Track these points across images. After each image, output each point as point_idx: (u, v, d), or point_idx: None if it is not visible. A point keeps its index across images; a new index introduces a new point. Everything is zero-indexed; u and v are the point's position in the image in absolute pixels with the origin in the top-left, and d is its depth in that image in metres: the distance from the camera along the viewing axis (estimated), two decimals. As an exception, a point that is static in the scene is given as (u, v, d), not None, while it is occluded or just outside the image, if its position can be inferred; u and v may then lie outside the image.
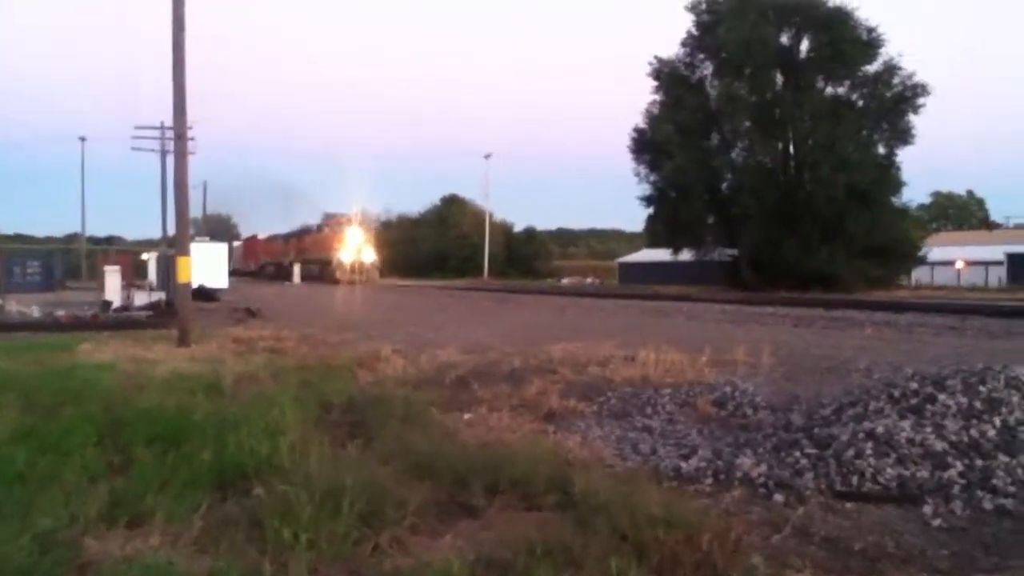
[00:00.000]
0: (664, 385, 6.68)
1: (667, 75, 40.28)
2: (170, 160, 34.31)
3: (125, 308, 19.00)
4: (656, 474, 4.25)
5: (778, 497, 3.81)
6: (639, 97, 76.49)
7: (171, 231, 28.39)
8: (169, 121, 19.74)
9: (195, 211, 52.61)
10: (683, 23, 40.41)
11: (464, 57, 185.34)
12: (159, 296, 20.65)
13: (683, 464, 4.32)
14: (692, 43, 40.01)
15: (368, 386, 6.98)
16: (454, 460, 4.22)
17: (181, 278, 12.19)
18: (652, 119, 40.36)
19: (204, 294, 22.14)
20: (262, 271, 64.62)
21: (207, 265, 25.43)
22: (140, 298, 20.45)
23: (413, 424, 5.30)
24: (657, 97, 40.67)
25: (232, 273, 63.23)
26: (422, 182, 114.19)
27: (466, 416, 5.83)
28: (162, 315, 16.61)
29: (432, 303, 24.25)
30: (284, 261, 58.45)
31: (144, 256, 32.89)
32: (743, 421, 5.47)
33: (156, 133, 41.67)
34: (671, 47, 41.30)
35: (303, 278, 51.93)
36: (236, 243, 75.56)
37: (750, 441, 4.63)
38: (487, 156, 65.88)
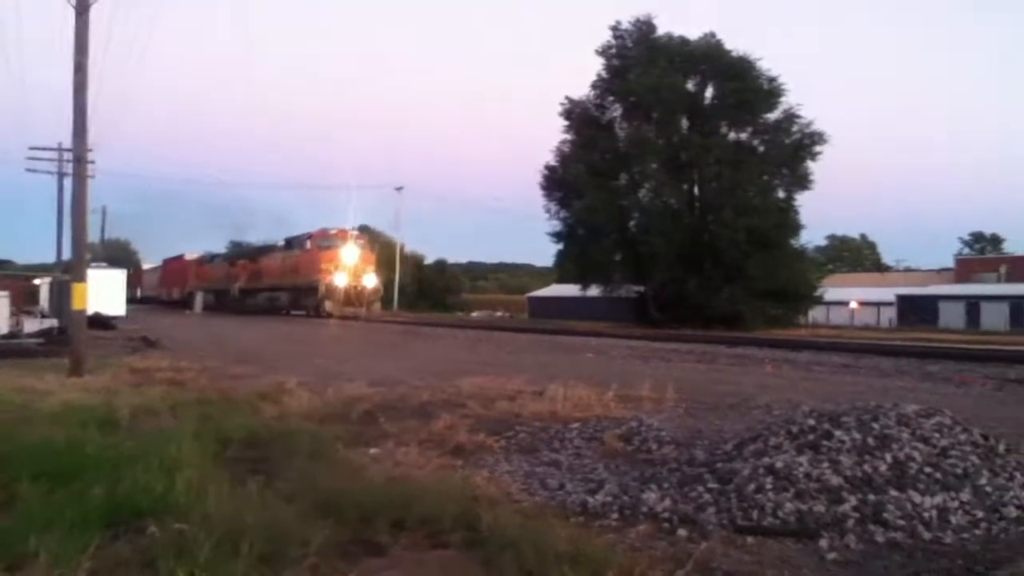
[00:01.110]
0: (572, 420, 6.73)
1: (578, 116, 41.18)
2: (68, 182, 33.10)
3: (14, 335, 18.07)
4: (563, 509, 4.26)
5: (682, 532, 3.87)
6: (550, 135, 77.66)
7: (67, 256, 27.26)
8: (67, 142, 19.01)
9: (93, 236, 48.64)
10: (594, 65, 41.48)
11: (376, 89, 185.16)
12: (51, 323, 19.75)
13: (590, 499, 4.34)
14: (603, 86, 41.06)
15: (271, 421, 6.79)
16: (360, 497, 4.13)
17: (76, 305, 11.68)
18: (563, 158, 41.07)
19: (100, 322, 21.26)
20: (191, 300, 52.40)
21: (104, 292, 24.48)
22: (30, 325, 19.51)
23: (318, 460, 5.18)
24: (568, 136, 41.49)
25: (143, 300, 59.94)
26: (334, 213, 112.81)
27: (373, 451, 5.73)
28: (54, 343, 15.86)
29: (340, 334, 23.88)
30: (230, 287, 47.98)
31: (37, 281, 31.36)
32: (648, 456, 5.55)
33: (53, 155, 39.92)
34: (582, 87, 42.31)
35: (266, 311, 41.79)
36: (147, 266, 69.95)
37: (655, 476, 4.70)
38: (399, 189, 65.60)
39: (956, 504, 3.99)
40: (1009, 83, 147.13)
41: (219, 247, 56.48)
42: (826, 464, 4.24)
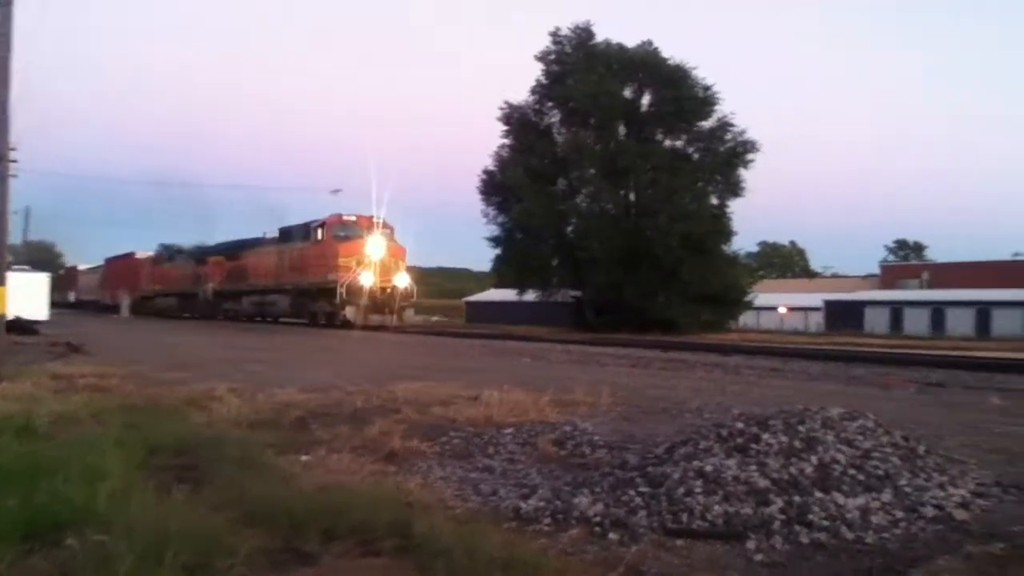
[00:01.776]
0: (507, 425, 6.73)
1: (517, 120, 41.38)
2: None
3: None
4: (497, 515, 4.25)
5: (613, 536, 3.89)
6: (487, 139, 77.77)
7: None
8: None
9: (15, 238, 45.72)
10: (533, 70, 41.72)
11: (312, 89, 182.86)
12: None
13: (523, 504, 4.35)
14: (541, 91, 41.35)
15: (200, 428, 6.64)
16: (290, 505, 4.06)
17: (-6, 309, 11.21)
18: (501, 162, 41.23)
19: (21, 327, 20.50)
20: (148, 303, 48.19)
21: (26, 296, 23.56)
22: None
23: (247, 468, 5.08)
24: (507, 141, 41.67)
25: (79, 304, 56.51)
26: (269, 216, 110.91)
27: (304, 458, 5.64)
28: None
29: (276, 341, 23.48)
30: (200, 289, 41.52)
31: None
32: (582, 460, 5.58)
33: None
34: (520, 92, 42.54)
35: (251, 317, 36.92)
36: (85, 267, 64.87)
37: (588, 480, 4.73)
38: (335, 191, 64.65)
39: (878, 505, 4.09)
40: (932, 94, 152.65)
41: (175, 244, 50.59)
42: (754, 467, 4.32)
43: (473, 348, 20.04)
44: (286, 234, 35.30)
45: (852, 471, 4.36)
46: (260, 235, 38.20)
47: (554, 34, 41.10)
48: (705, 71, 39.33)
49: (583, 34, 40.86)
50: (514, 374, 11.49)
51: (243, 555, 3.32)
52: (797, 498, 4.08)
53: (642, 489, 4.33)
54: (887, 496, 4.18)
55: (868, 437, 4.77)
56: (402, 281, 30.38)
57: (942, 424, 7.09)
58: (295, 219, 35.95)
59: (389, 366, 13.32)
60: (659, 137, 40.26)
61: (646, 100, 40.39)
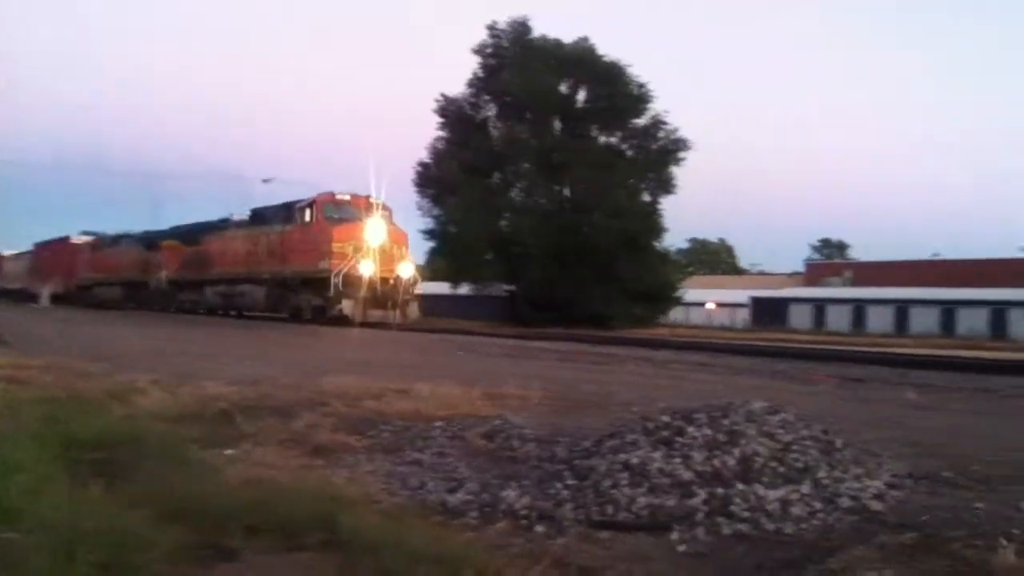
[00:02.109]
0: (437, 419, 6.71)
1: (453, 113, 41.30)
2: None
3: None
4: (424, 509, 4.24)
5: (540, 528, 3.92)
6: (422, 130, 77.13)
7: None
8: None
9: None
10: (469, 63, 41.64)
11: (241, 77, 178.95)
12: None
13: (450, 498, 4.35)
14: (478, 84, 41.32)
15: (121, 421, 6.45)
16: (212, 500, 3.98)
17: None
18: (437, 155, 41.08)
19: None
20: (87, 293, 43.90)
21: None
22: None
23: (169, 462, 4.96)
24: (442, 134, 41.52)
25: (3, 294, 53.04)
26: (201, 204, 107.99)
27: (228, 452, 5.53)
28: None
29: (205, 332, 22.96)
30: (152, 278, 37.38)
31: None
32: (511, 453, 5.59)
33: None
34: (456, 85, 42.47)
35: (213, 311, 33.23)
36: (9, 253, 59.41)
37: (516, 473, 4.75)
38: (266, 181, 63.21)
39: (797, 496, 4.20)
40: (855, 96, 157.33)
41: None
42: (678, 459, 4.39)
43: (405, 341, 19.92)
44: (260, 216, 31.05)
45: (773, 463, 4.46)
46: (225, 217, 34.10)
47: (491, 27, 41.14)
48: (640, 69, 39.79)
49: (520, 28, 40.93)
50: (447, 368, 11.47)
51: (161, 551, 3.24)
52: (720, 490, 4.17)
53: (569, 482, 4.37)
54: (806, 488, 4.29)
55: (789, 430, 4.89)
56: (406, 272, 26.61)
57: (860, 418, 7.32)
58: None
59: (317, 359, 13.15)
60: (594, 133, 40.66)
61: (581, 96, 40.72)
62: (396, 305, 25.98)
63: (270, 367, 10.98)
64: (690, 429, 4.72)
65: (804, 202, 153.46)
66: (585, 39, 40.69)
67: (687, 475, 4.28)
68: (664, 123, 39.38)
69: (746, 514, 3.99)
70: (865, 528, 3.91)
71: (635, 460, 4.40)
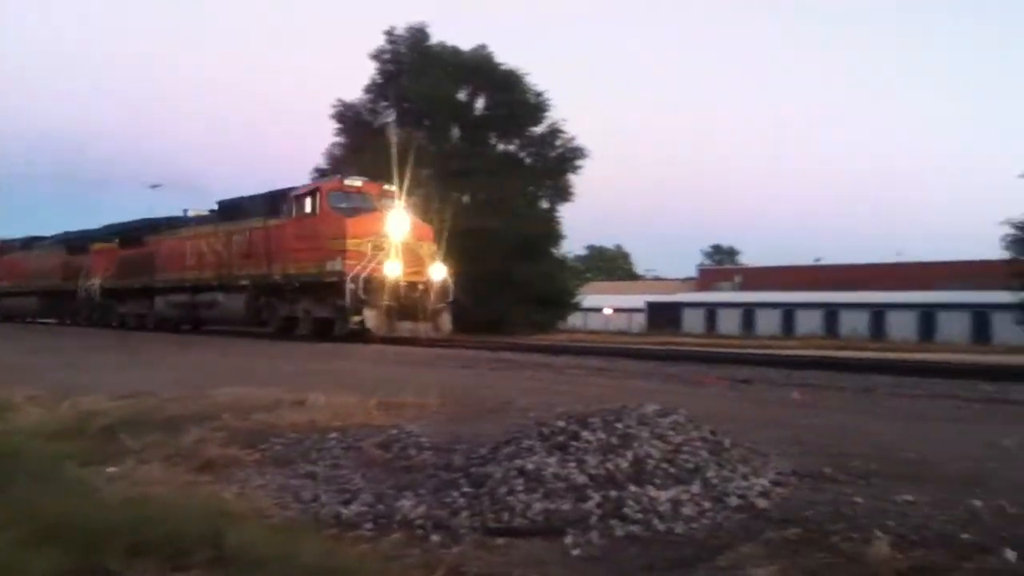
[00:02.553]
0: (332, 429, 6.58)
1: (350, 119, 40.74)
2: None
3: None
4: (317, 522, 4.15)
5: (435, 537, 3.89)
6: (318, 136, 75.83)
7: None
8: None
9: None
10: (366, 69, 41.20)
11: (136, 71, 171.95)
12: None
13: (344, 510, 4.27)
14: (376, 90, 40.92)
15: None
16: (91, 520, 3.80)
17: None
18: (334, 160, 40.43)
19: None
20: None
21: None
22: None
23: (45, 481, 4.70)
24: (340, 139, 40.92)
25: None
26: (86, 210, 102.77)
27: (110, 470, 5.28)
28: None
29: (86, 344, 21.91)
30: (80, 285, 31.62)
31: None
32: (407, 463, 5.53)
33: None
34: (354, 90, 41.94)
35: (159, 326, 27.89)
36: None
37: (412, 483, 4.71)
38: (154, 186, 60.69)
39: (687, 496, 4.30)
40: (743, 105, 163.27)
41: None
42: (573, 464, 4.44)
43: (300, 350, 19.50)
44: (231, 210, 25.71)
45: (664, 465, 4.56)
46: (179, 213, 29.16)
47: (389, 33, 40.76)
48: (537, 78, 40.19)
49: (418, 35, 40.72)
50: (343, 377, 11.26)
51: (32, 577, 3.06)
52: (613, 493, 4.23)
53: (465, 489, 4.36)
54: (696, 488, 4.40)
55: (680, 432, 5.01)
56: (438, 274, 22.18)
57: (748, 418, 7.55)
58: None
59: (206, 370, 12.72)
60: (493, 141, 40.81)
61: (480, 104, 40.85)
62: (427, 316, 21.62)
63: (146, 379, 10.53)
64: (585, 433, 4.77)
65: (697, 210, 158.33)
66: (483, 47, 40.85)
67: (581, 479, 4.33)
68: (561, 131, 39.92)
69: (638, 516, 4.06)
70: (752, 525, 4.03)
71: (530, 466, 4.42)
